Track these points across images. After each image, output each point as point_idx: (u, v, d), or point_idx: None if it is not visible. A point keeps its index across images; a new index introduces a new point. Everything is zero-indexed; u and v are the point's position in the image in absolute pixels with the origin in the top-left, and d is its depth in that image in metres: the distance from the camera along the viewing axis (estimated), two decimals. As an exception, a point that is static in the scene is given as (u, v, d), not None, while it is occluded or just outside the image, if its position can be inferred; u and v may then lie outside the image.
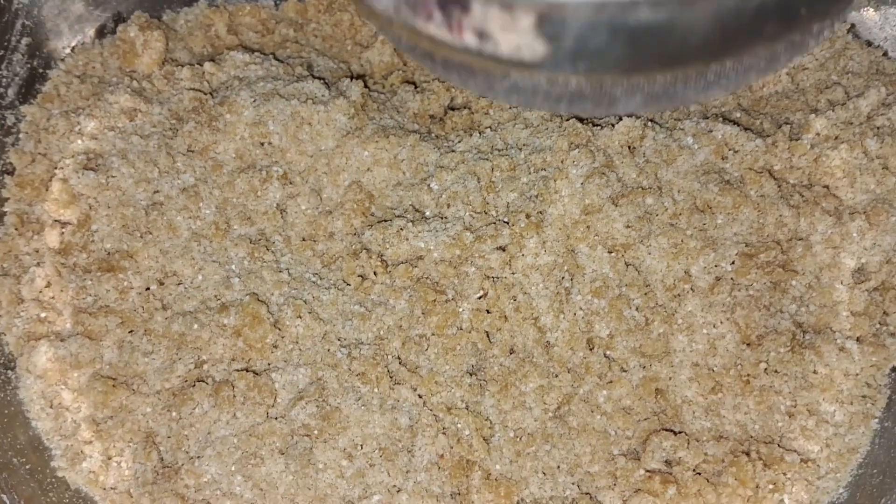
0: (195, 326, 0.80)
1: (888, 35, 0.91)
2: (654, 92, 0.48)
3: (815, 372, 0.78)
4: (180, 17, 1.00)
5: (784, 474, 0.77)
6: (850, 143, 0.84)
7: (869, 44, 0.92)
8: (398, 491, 0.78)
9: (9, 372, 0.81)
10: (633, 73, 0.45)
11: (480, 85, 0.50)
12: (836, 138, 0.84)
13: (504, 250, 0.82)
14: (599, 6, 0.38)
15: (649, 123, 0.86)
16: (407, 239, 0.83)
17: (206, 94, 0.91)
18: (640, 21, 0.40)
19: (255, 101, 0.89)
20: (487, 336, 0.81)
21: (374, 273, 0.83)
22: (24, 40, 0.89)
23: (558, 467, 0.78)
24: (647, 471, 0.77)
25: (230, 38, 0.99)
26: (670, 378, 0.79)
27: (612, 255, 0.82)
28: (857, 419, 0.78)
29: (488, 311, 0.81)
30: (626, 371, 0.79)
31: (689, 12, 0.39)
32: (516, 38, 0.43)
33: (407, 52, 0.52)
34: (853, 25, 0.92)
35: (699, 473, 0.77)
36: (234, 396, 0.78)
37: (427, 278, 0.83)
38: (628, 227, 0.82)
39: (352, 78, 0.94)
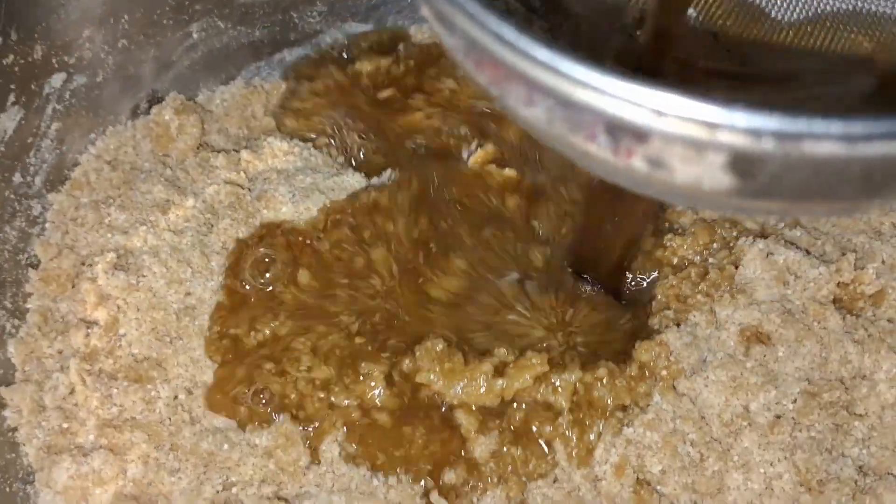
0: (225, 446, 0.76)
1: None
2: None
3: (875, 520, 0.75)
4: (216, 97, 0.96)
5: None
6: (916, 274, 0.80)
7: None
8: None
9: (27, 487, 0.76)
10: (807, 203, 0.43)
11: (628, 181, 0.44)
12: (901, 268, 0.81)
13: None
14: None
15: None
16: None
17: (242, 187, 0.87)
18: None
19: (293, 196, 0.85)
20: (532, 465, 0.77)
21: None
22: (55, 125, 0.85)
23: None
24: None
25: (267, 119, 0.95)
26: (724, 518, 0.75)
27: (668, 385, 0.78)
28: (919, 573, 0.75)
29: (534, 439, 0.77)
30: (677, 509, 0.76)
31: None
32: (699, 170, 0.39)
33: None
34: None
35: None
36: (265, 526, 0.74)
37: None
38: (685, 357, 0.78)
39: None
